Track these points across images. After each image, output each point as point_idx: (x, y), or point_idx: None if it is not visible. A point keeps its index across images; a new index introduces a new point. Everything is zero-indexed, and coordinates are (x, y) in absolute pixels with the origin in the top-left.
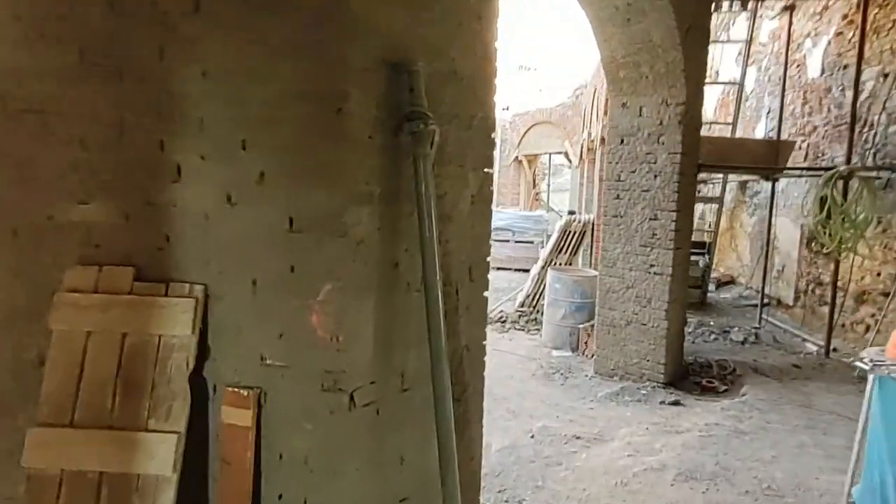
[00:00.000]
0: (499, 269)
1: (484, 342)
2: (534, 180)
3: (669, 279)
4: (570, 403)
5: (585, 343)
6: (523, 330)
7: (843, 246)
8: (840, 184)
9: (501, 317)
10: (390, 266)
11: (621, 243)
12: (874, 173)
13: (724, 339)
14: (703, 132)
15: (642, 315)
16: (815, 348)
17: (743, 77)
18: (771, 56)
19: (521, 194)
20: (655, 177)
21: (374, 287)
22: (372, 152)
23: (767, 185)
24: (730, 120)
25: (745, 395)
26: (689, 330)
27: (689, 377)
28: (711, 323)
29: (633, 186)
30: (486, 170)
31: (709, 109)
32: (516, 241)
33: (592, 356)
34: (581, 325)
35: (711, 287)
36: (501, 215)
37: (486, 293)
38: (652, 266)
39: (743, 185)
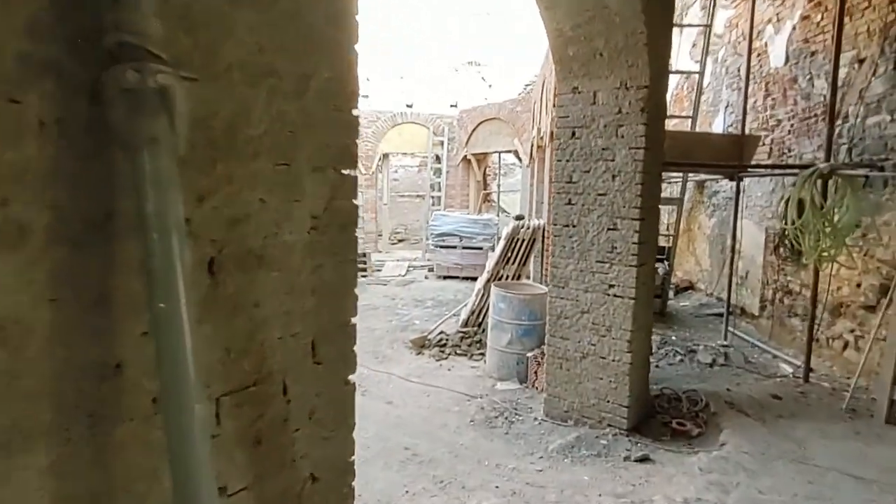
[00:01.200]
0: (445, 277)
1: (351, 459)
2: (484, 181)
3: (632, 303)
4: (514, 464)
5: (535, 373)
6: (465, 355)
7: (825, 254)
8: (819, 184)
9: (441, 339)
10: (79, 377)
11: (574, 259)
12: (857, 171)
13: (690, 362)
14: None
15: (601, 346)
16: (790, 369)
17: (703, 66)
18: (728, 46)
19: (470, 196)
20: (614, 177)
21: (41, 432)
22: (26, 138)
23: (726, 185)
24: (686, 114)
25: (726, 446)
26: (653, 350)
27: (656, 416)
28: (674, 338)
29: (588, 189)
30: (343, 170)
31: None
32: (464, 248)
33: (543, 391)
34: (530, 353)
35: (670, 295)
36: (447, 219)
37: (350, 379)
38: (611, 287)
39: (701, 185)
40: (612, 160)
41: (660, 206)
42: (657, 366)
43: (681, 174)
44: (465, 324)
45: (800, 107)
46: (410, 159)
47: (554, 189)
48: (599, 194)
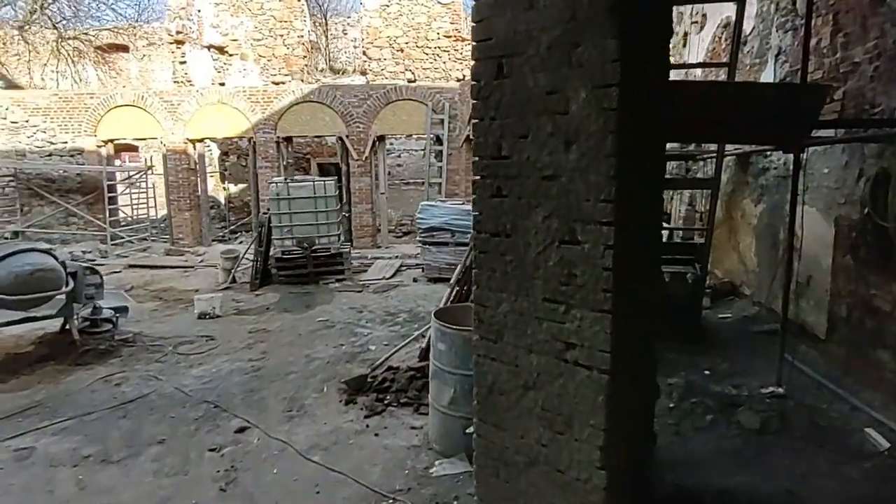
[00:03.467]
0: (436, 280)
1: None
2: None
3: (605, 379)
4: None
5: None
6: (412, 405)
7: None
8: None
9: (385, 381)
10: None
11: (510, 292)
12: None
13: (727, 425)
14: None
15: (556, 450)
16: (885, 442)
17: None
18: None
19: None
20: (568, 145)
21: None
22: None
23: (779, 159)
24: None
25: None
26: (671, 404)
27: None
28: (707, 372)
29: (526, 169)
30: None
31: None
32: (457, 245)
33: None
34: None
35: (706, 302)
36: (436, 210)
37: None
38: (569, 347)
39: (744, 160)
40: (564, 112)
41: (669, 193)
42: (676, 432)
43: (715, 147)
44: (422, 356)
45: (890, 39)
46: (415, 142)
47: (475, 170)
48: (545, 177)
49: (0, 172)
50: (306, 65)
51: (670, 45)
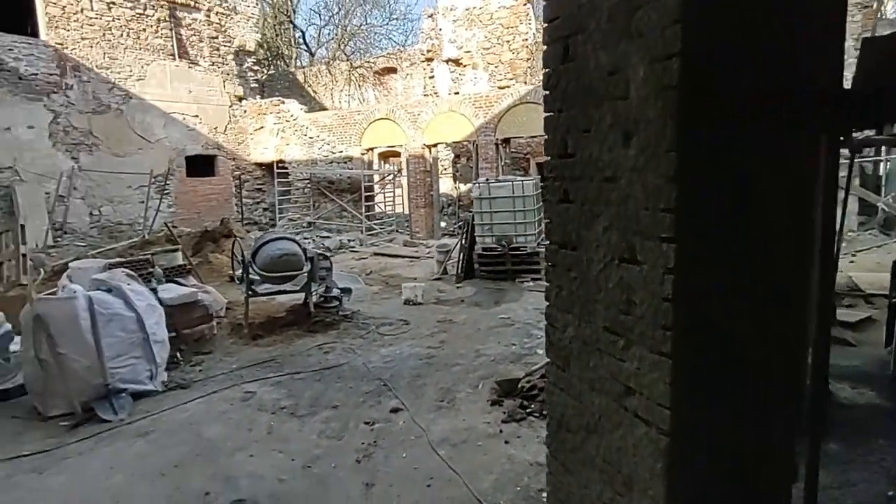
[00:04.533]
0: None
1: None
2: None
3: (665, 442)
4: None
5: None
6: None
7: None
8: None
9: (534, 388)
10: None
11: (575, 314)
12: None
13: None
14: None
15: None
16: None
17: None
18: None
19: None
20: (627, 138)
21: None
22: None
23: None
24: None
25: None
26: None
27: None
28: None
29: (589, 169)
30: None
31: None
32: None
33: None
34: None
35: None
36: None
37: None
38: (629, 391)
39: None
40: (624, 97)
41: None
42: None
43: None
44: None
45: None
46: None
47: (546, 169)
48: (606, 179)
49: (301, 177)
50: (529, 67)
51: None
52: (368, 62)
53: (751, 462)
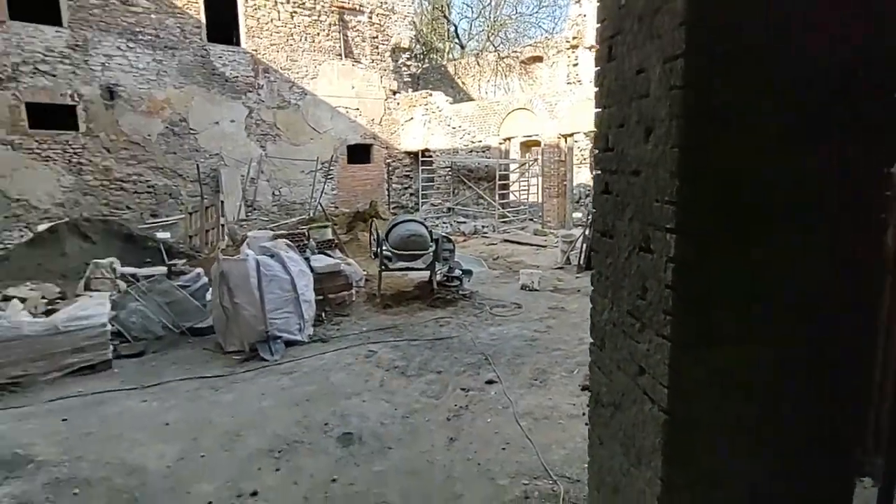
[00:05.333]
0: None
1: None
2: None
3: (665, 420)
4: None
5: None
6: None
7: None
8: None
9: None
10: None
11: (608, 298)
12: None
13: None
14: None
15: (628, 483)
16: None
17: None
18: None
19: None
20: (648, 133)
21: None
22: None
23: None
24: None
25: None
26: None
27: None
28: None
29: (622, 162)
30: None
31: None
32: None
33: None
34: None
35: None
36: None
37: None
38: (642, 371)
39: None
40: (646, 94)
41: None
42: None
43: None
44: None
45: None
46: None
47: (594, 162)
48: (632, 172)
49: (443, 165)
50: None
51: None
52: (515, 52)
53: (761, 440)
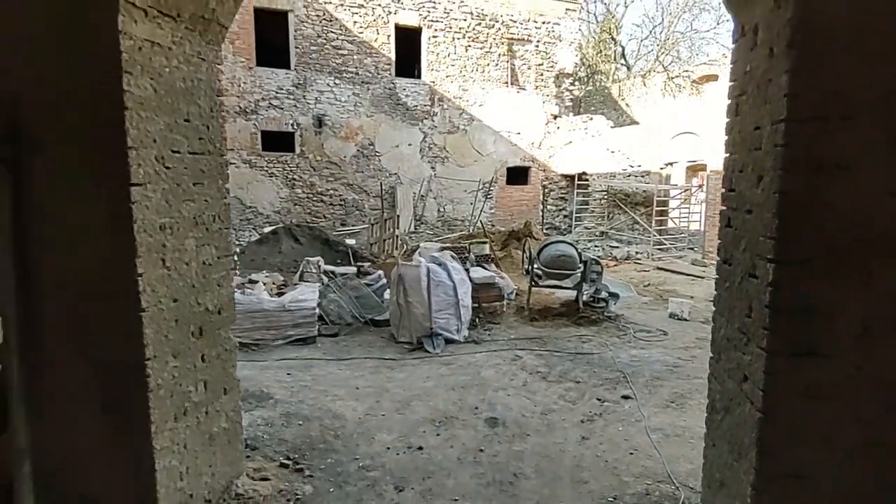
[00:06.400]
0: None
1: None
2: None
3: (760, 420)
4: None
5: None
6: None
7: None
8: None
9: None
10: None
11: (725, 317)
12: None
13: None
14: None
15: (731, 477)
16: None
17: None
18: None
19: None
20: (759, 180)
21: None
22: None
23: None
24: None
25: None
26: None
27: None
28: None
29: (740, 202)
30: None
31: None
32: None
33: None
34: None
35: None
36: None
37: None
38: (745, 378)
39: None
40: (759, 148)
41: None
42: None
43: None
44: None
45: None
46: None
47: (722, 199)
48: (746, 211)
49: (600, 188)
50: None
51: None
52: (687, 71)
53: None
